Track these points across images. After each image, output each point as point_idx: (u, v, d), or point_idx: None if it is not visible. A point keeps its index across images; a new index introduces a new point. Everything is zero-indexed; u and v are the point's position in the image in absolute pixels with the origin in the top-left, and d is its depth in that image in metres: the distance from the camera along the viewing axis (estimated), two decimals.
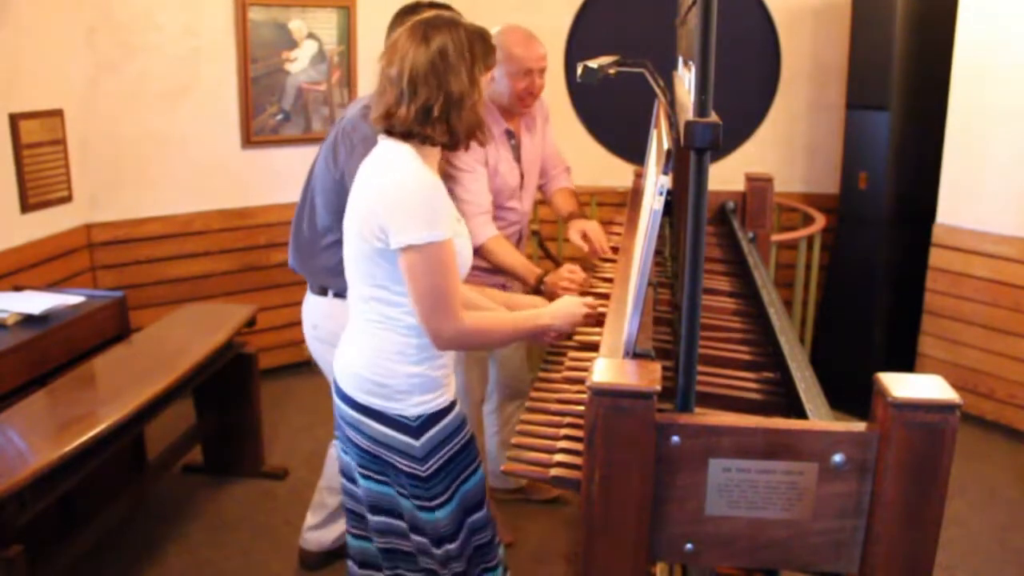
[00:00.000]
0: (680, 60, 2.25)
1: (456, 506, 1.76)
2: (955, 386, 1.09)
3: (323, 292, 2.39)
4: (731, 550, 1.16)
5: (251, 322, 3.21)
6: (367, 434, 1.74)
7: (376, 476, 1.78)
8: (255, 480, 3.27)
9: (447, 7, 2.18)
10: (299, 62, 3.97)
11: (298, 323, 2.50)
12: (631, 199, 2.83)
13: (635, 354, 1.29)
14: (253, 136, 3.93)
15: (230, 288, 4.01)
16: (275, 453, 3.47)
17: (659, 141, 1.63)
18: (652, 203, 1.27)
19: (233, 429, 3.27)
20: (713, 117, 1.08)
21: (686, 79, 1.67)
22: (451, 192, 1.93)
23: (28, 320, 2.70)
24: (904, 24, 3.57)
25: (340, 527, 2.58)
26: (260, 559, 2.80)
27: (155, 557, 2.80)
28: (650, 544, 1.15)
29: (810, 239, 3.62)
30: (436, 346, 1.69)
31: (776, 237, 3.37)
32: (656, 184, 1.28)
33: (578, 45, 4.40)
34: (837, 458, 1.10)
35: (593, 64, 2.13)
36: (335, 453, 2.59)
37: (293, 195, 2.48)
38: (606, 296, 2.07)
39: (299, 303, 2.49)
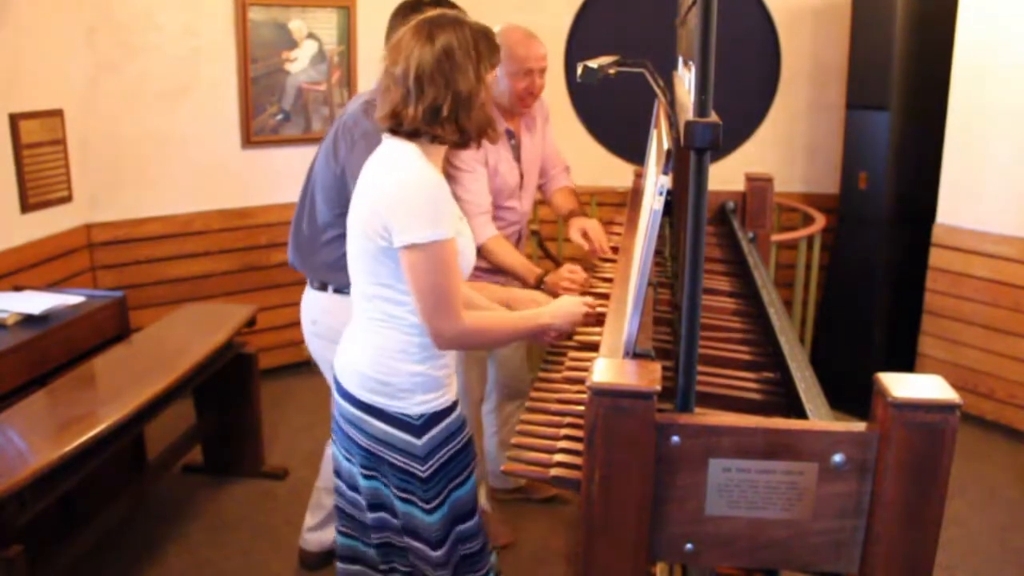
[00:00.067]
0: (680, 60, 2.25)
1: (446, 513, 1.76)
2: (955, 386, 1.09)
3: (323, 288, 2.39)
4: (731, 550, 1.16)
5: (251, 322, 3.21)
6: (368, 432, 1.74)
7: (370, 473, 1.78)
8: (255, 480, 3.27)
9: (453, 5, 2.18)
10: (299, 62, 3.97)
11: (298, 323, 2.50)
12: (631, 199, 2.83)
13: (635, 354, 1.29)
14: (253, 136, 3.93)
15: (230, 288, 4.01)
16: (275, 453, 3.47)
17: (659, 141, 1.63)
18: (652, 203, 1.28)
19: (233, 429, 3.27)
20: (713, 117, 1.08)
21: (686, 79, 1.67)
22: (451, 192, 1.93)
23: (28, 320, 2.70)
24: (904, 24, 3.57)
25: None
26: (260, 559, 2.80)
27: (155, 557, 2.80)
28: (650, 544, 1.15)
29: (810, 239, 3.62)
30: (436, 345, 1.69)
31: (776, 237, 3.37)
32: (656, 184, 1.28)
33: (578, 45, 4.40)
34: (837, 458, 1.10)
35: (593, 64, 2.13)
36: (332, 453, 2.60)
37: (293, 195, 2.48)
38: (606, 296, 2.07)
39: (299, 303, 2.49)
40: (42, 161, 3.30)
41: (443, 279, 1.62)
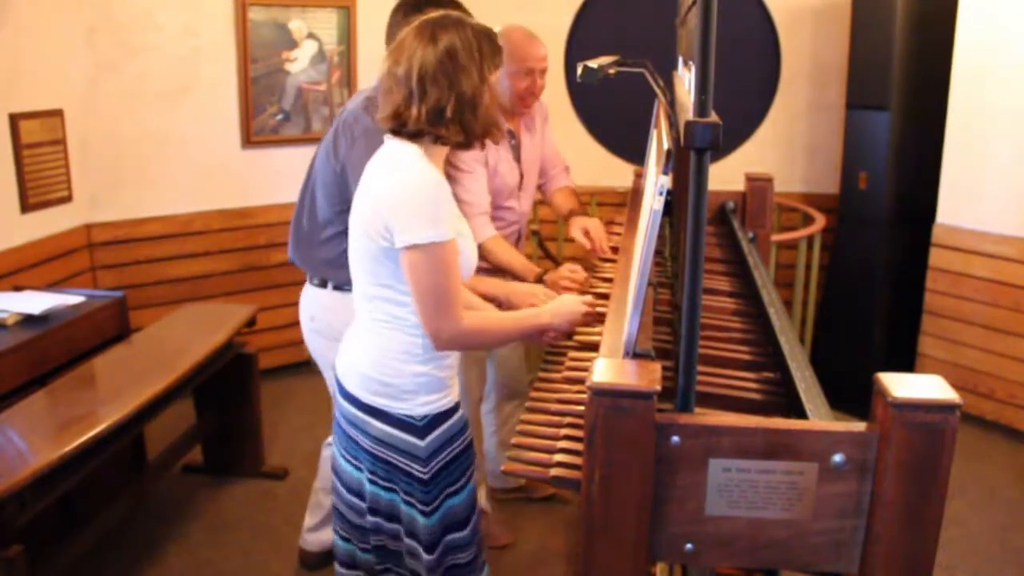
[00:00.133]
0: (680, 60, 2.25)
1: (439, 519, 1.75)
2: (955, 386, 1.09)
3: (323, 284, 2.39)
4: (731, 550, 1.16)
5: (251, 322, 3.21)
6: (371, 434, 1.74)
7: (383, 483, 1.77)
8: (255, 480, 3.27)
9: (457, 4, 2.18)
10: (299, 62, 3.97)
11: (298, 323, 2.50)
12: (631, 199, 2.83)
13: (635, 354, 1.29)
14: (253, 136, 3.93)
15: (230, 288, 4.01)
16: (275, 453, 3.47)
17: (659, 141, 1.63)
18: (652, 203, 1.27)
19: (233, 429, 3.27)
20: (713, 117, 1.08)
21: (686, 79, 1.67)
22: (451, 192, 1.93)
23: (28, 320, 2.70)
24: (904, 24, 3.57)
25: None
26: (260, 559, 2.80)
27: (155, 557, 2.80)
28: (650, 544, 1.15)
29: (810, 239, 3.62)
30: (435, 346, 1.68)
31: (776, 237, 3.37)
32: (656, 184, 1.28)
33: (578, 45, 4.40)
34: (837, 458, 1.10)
35: (593, 64, 2.13)
36: (329, 454, 2.60)
37: (293, 195, 2.48)
38: (606, 296, 2.06)
39: (299, 303, 2.49)
40: (42, 161, 3.30)
41: (443, 280, 1.62)
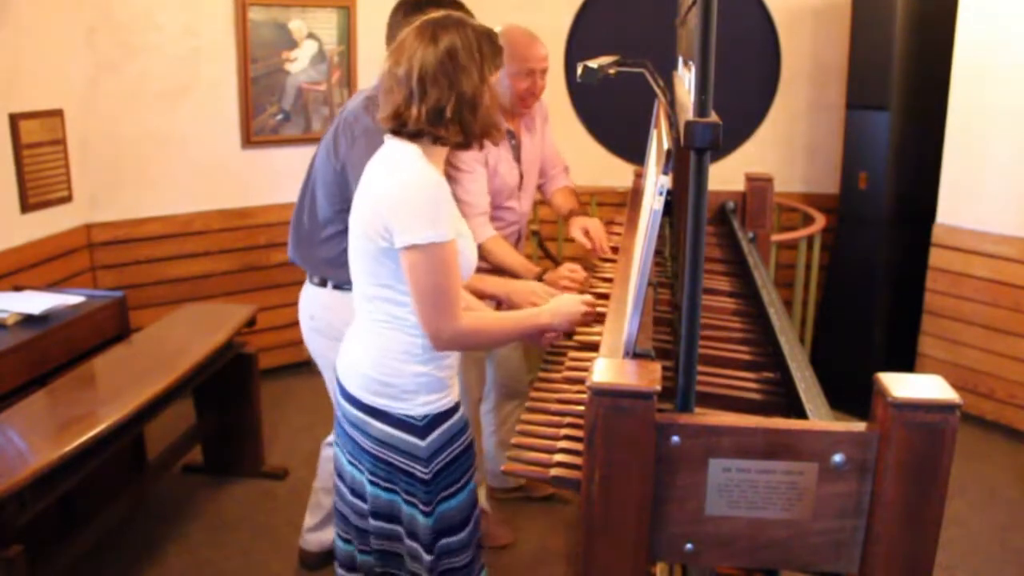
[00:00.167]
0: (680, 60, 2.25)
1: (434, 522, 1.75)
2: (955, 386, 1.09)
3: (322, 284, 2.39)
4: (731, 550, 1.16)
5: (251, 322, 3.21)
6: (371, 435, 1.73)
7: (384, 484, 1.77)
8: (255, 480, 3.27)
9: (459, 5, 2.18)
10: (299, 62, 3.97)
11: (298, 323, 2.50)
12: (631, 199, 2.83)
13: (635, 354, 1.29)
14: (253, 136, 3.93)
15: (230, 288, 4.01)
16: (275, 453, 3.47)
17: (659, 141, 1.63)
18: (652, 203, 1.27)
19: (233, 429, 3.27)
20: (713, 117, 1.08)
21: (686, 79, 1.67)
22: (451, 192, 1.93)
23: (28, 320, 2.70)
24: (904, 24, 3.57)
25: None
26: (260, 559, 2.80)
27: (155, 557, 2.80)
28: (650, 544, 1.15)
29: (810, 239, 3.62)
30: (434, 347, 1.68)
31: (776, 237, 3.37)
32: (656, 184, 1.28)
33: (578, 45, 4.40)
34: (837, 458, 1.10)
35: (593, 64, 2.13)
36: (328, 454, 2.60)
37: (293, 195, 2.48)
38: (606, 296, 2.06)
39: (298, 302, 2.49)
40: (42, 161, 3.30)
41: (443, 280, 1.61)
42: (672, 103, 1.92)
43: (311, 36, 3.98)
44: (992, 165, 3.52)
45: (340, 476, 1.88)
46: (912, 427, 1.04)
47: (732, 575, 1.36)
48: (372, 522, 1.81)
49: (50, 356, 2.67)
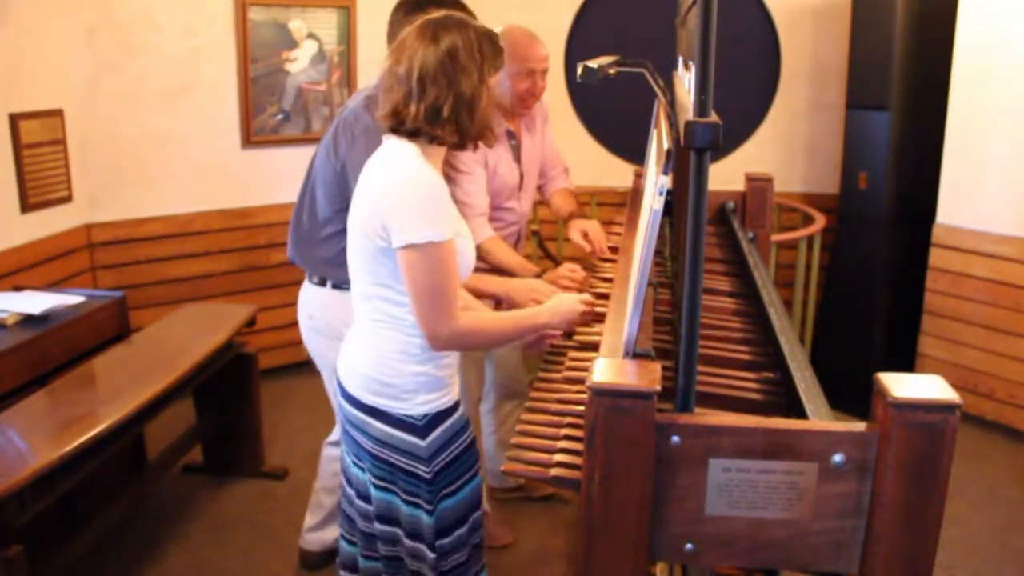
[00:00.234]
0: (680, 60, 2.25)
1: (435, 520, 1.74)
2: (955, 386, 1.09)
3: (322, 283, 2.39)
4: (731, 550, 1.16)
5: (251, 322, 3.21)
6: (372, 435, 1.73)
7: (382, 484, 1.77)
8: (255, 480, 3.27)
9: (462, 5, 2.18)
10: (299, 62, 3.97)
11: (298, 322, 2.50)
12: (631, 199, 2.83)
13: (635, 354, 1.29)
14: (253, 136, 3.93)
15: (230, 288, 4.01)
16: (275, 453, 3.47)
17: (659, 141, 1.63)
18: (652, 203, 1.28)
19: (233, 429, 3.27)
20: (713, 117, 1.08)
21: (686, 79, 1.67)
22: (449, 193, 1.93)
23: (28, 320, 2.70)
24: (904, 24, 3.57)
25: None
26: (260, 559, 2.80)
27: (155, 557, 2.80)
28: (650, 544, 1.15)
29: (810, 239, 3.62)
30: (432, 347, 1.68)
31: (776, 237, 3.37)
32: (656, 184, 1.28)
33: (578, 45, 4.40)
34: (837, 458, 1.10)
35: (593, 64, 2.13)
36: (330, 454, 2.60)
37: (293, 195, 2.48)
38: (606, 296, 2.07)
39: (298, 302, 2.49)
40: (42, 161, 3.30)
41: (441, 279, 1.61)
42: (672, 103, 1.92)
43: (311, 36, 3.98)
44: (992, 165, 3.52)
45: (347, 480, 1.87)
46: (912, 427, 1.04)
47: (732, 575, 1.36)
48: (378, 526, 1.80)
49: (50, 356, 2.67)
